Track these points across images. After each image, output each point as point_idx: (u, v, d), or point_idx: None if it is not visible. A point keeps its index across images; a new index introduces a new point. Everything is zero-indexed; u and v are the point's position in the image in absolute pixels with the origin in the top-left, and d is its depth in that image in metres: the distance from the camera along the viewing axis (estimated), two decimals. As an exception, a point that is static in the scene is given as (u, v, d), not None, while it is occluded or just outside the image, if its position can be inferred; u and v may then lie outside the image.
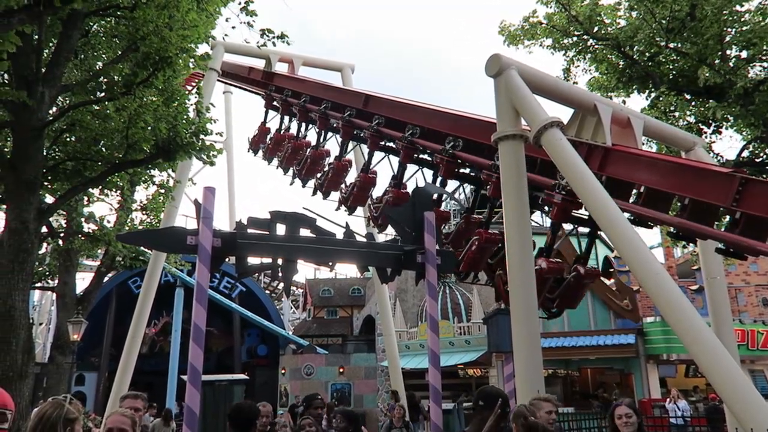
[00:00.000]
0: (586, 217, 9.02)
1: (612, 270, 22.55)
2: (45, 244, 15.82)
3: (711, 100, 10.97)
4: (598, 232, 9.50)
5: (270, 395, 26.97)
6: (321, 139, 15.09)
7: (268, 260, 5.99)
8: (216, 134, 11.30)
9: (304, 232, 6.00)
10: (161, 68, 9.11)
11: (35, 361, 9.89)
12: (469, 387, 24.01)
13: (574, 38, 12.89)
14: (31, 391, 8.58)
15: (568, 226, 10.12)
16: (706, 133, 11.61)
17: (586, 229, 9.84)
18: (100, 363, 27.53)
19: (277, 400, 25.68)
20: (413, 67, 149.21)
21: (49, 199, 11.46)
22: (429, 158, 11.74)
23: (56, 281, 16.15)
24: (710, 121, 11.37)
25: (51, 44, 9.58)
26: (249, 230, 5.84)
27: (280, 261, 5.90)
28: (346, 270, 39.25)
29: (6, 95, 7.98)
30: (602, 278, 21.75)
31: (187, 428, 5.55)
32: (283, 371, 26.04)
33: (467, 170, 11.15)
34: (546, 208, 9.39)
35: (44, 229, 13.31)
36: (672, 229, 7.95)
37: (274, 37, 9.90)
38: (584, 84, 13.25)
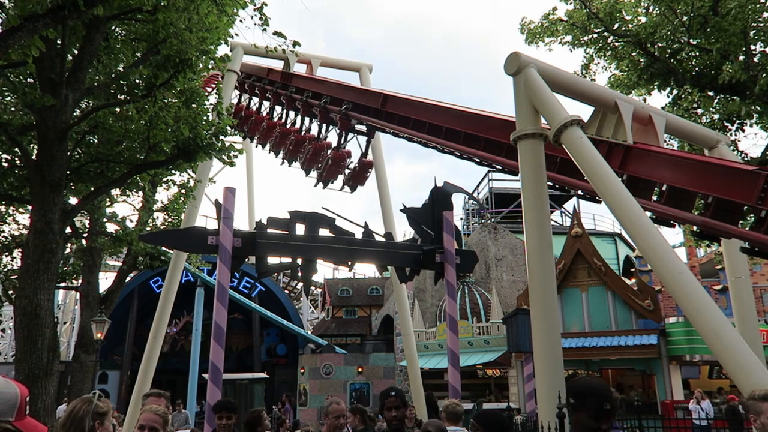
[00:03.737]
0: (365, 128, 14.92)
1: (633, 269, 22.29)
2: (69, 244, 16.10)
3: (735, 97, 10.77)
4: (372, 138, 15.65)
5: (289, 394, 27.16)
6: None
7: (287, 260, 6.04)
8: (235, 134, 11.39)
9: (324, 232, 6.03)
10: (181, 70, 9.21)
11: (60, 360, 10.06)
12: (488, 387, 23.91)
13: (594, 35, 12.75)
14: (56, 388, 8.74)
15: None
16: (730, 130, 11.40)
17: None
18: (122, 361, 27.92)
19: (296, 399, 25.83)
20: (414, 66, 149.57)
21: (73, 200, 11.67)
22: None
23: (80, 281, 16.42)
24: (734, 118, 11.16)
25: (74, 48, 9.74)
26: (269, 230, 5.88)
27: (299, 261, 5.94)
28: (365, 270, 39.31)
29: (33, 99, 8.13)
30: (623, 278, 21.56)
31: (207, 425, 5.62)
32: (302, 370, 26.15)
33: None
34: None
35: (68, 230, 13.56)
36: (695, 228, 7.82)
37: (285, 43, 9.89)
38: (605, 81, 13.11)
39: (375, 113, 13.21)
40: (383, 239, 6.72)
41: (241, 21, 9.99)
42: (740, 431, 14.20)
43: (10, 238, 14.54)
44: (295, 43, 9.92)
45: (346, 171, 16.27)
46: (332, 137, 16.24)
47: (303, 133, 17.04)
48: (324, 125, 16.06)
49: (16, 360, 8.52)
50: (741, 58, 10.62)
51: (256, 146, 19.37)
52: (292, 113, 17.54)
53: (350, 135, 15.66)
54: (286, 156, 17.34)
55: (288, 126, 17.64)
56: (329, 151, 16.01)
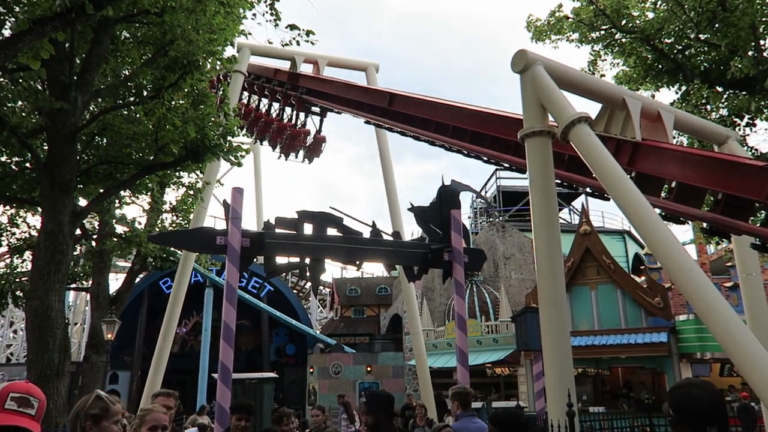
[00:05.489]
0: (319, 110, 17.63)
1: (643, 267, 22.14)
2: (79, 246, 16.21)
3: (744, 92, 10.69)
4: (324, 117, 17.86)
5: (299, 394, 27.23)
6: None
7: (296, 259, 6.05)
8: (243, 135, 11.42)
9: (332, 232, 6.04)
10: (189, 71, 9.25)
11: (71, 360, 10.14)
12: (497, 386, 23.85)
13: (601, 32, 12.69)
14: (67, 389, 8.80)
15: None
16: (739, 125, 11.32)
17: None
18: (133, 362, 28.07)
19: (306, 399, 25.89)
20: (419, 64, 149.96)
21: (83, 202, 11.75)
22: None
23: (90, 282, 16.52)
24: (744, 114, 11.08)
25: (82, 51, 9.80)
26: (277, 230, 5.90)
27: (307, 260, 5.95)
28: (373, 269, 39.29)
29: (43, 103, 8.19)
30: (633, 275, 21.44)
31: (218, 425, 5.65)
32: (311, 370, 26.23)
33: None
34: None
35: (78, 231, 13.64)
36: (705, 225, 7.77)
37: (299, 35, 9.84)
38: (612, 78, 13.03)
39: (382, 112, 13.21)
40: (391, 238, 6.72)
41: (252, 17, 10.01)
42: (753, 429, 14.09)
43: (21, 240, 14.65)
44: (309, 32, 9.84)
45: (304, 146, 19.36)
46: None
47: (271, 116, 19.07)
48: (287, 108, 18.42)
49: (27, 361, 8.59)
50: (750, 53, 10.55)
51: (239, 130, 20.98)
52: (264, 101, 19.35)
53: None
54: (258, 135, 19.87)
55: (259, 112, 19.77)
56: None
